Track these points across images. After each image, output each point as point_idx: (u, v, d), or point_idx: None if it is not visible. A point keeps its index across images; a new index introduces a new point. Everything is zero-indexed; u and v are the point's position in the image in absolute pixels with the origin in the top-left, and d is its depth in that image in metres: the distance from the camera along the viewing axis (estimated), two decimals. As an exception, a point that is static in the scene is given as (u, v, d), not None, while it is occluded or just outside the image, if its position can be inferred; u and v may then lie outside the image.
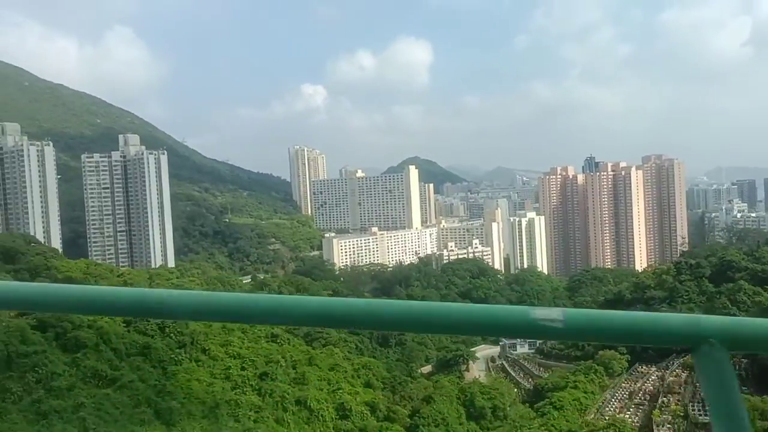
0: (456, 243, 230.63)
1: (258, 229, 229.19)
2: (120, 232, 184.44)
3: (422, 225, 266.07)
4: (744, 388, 56.54)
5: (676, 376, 68.58)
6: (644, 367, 76.99)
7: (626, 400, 69.38)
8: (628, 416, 62.81)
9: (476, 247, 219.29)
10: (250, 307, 1.81)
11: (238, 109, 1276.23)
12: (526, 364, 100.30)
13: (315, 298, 1.76)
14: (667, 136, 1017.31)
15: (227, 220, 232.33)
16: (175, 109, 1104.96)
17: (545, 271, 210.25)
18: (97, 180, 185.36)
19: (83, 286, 1.99)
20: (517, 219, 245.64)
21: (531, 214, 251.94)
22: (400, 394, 74.55)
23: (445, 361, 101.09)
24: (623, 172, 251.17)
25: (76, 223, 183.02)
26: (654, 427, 58.48)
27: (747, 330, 1.61)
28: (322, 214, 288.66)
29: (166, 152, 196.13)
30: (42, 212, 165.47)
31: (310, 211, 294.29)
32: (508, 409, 73.63)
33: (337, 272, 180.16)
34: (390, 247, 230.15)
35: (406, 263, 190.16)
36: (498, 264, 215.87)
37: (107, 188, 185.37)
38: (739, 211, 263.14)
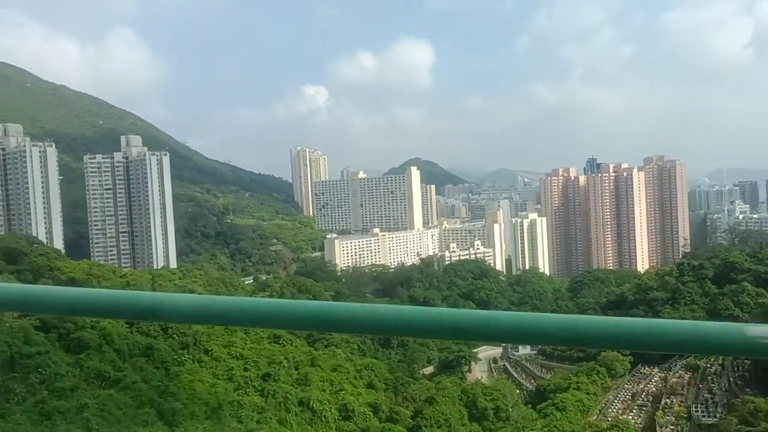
0: (458, 244, 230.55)
1: (260, 230, 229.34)
2: (122, 233, 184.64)
3: (424, 226, 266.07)
4: (747, 390, 56.51)
5: (678, 378, 68.58)
6: (647, 369, 76.96)
7: (629, 402, 69.36)
8: (631, 417, 62.78)
9: (478, 249, 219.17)
10: (250, 311, 1.80)
11: (240, 110, 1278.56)
12: (528, 365, 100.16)
13: (313, 303, 1.75)
14: (669, 137, 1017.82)
15: (229, 221, 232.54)
16: (176, 110, 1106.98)
17: (547, 272, 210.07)
18: (100, 181, 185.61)
19: (85, 288, 2.00)
20: (519, 220, 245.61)
21: (533, 216, 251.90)
22: (403, 395, 74.58)
23: (447, 362, 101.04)
24: (625, 174, 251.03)
25: (78, 223, 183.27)
26: (657, 428, 58.49)
27: None
28: (324, 215, 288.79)
29: (168, 153, 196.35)
30: (44, 213, 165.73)
31: (311, 212, 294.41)
32: (510, 410, 73.60)
33: (338, 273, 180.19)
34: (391, 248, 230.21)
35: (408, 264, 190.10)
36: (499, 265, 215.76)
37: (109, 189, 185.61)
38: (741, 213, 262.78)
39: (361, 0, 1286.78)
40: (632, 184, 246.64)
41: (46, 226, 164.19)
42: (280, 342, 78.84)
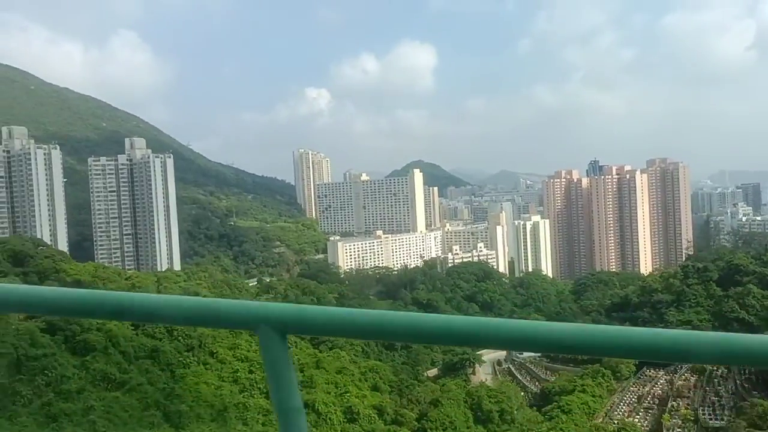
0: (460, 246, 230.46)
1: (263, 232, 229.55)
2: (126, 235, 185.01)
3: (427, 228, 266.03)
4: (754, 392, 56.33)
5: (685, 380, 68.44)
6: (652, 371, 76.75)
7: (635, 404, 69.19)
8: (637, 420, 62.64)
9: (481, 251, 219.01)
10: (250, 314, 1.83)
11: (243, 113, 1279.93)
12: (532, 367, 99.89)
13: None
14: (671, 139, 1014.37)
15: (232, 223, 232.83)
16: (179, 113, 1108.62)
17: (549, 274, 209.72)
18: (104, 183, 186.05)
19: (90, 290, 2.02)
20: (522, 222, 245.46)
21: (536, 218, 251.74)
22: (408, 397, 74.55)
23: (452, 364, 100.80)
24: (628, 176, 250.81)
25: (82, 226, 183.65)
26: (664, 431, 58.29)
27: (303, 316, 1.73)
28: (327, 218, 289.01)
29: (171, 156, 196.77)
30: (49, 215, 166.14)
31: (314, 215, 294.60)
32: (515, 412, 73.42)
33: (342, 275, 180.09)
34: (395, 250, 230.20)
35: (411, 266, 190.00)
36: (502, 267, 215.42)
37: (113, 191, 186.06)
38: (744, 215, 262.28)
39: (363, 3, 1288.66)
40: (635, 187, 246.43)
41: (51, 228, 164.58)
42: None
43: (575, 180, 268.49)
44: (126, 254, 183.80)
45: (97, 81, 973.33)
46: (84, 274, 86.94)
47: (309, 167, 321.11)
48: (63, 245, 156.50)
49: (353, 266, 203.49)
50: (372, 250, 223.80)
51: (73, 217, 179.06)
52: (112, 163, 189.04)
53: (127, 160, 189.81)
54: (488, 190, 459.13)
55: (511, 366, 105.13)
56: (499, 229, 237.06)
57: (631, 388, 73.99)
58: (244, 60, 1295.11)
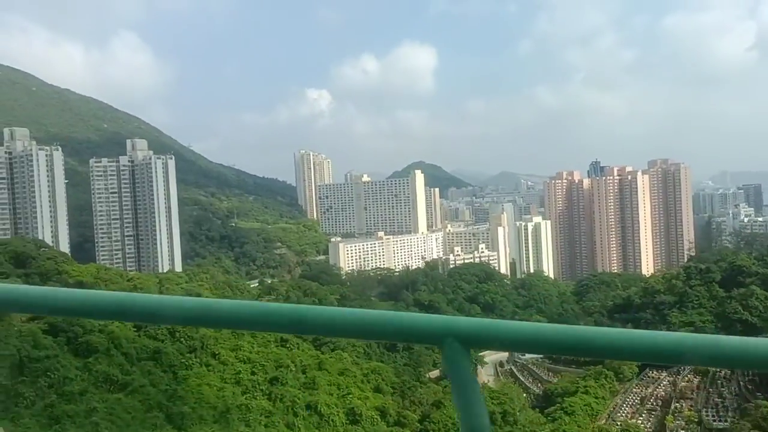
0: (462, 247, 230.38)
1: (264, 233, 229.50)
2: (127, 236, 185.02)
3: (428, 229, 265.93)
4: (758, 394, 56.18)
5: (687, 382, 68.28)
6: (655, 373, 76.59)
7: (638, 406, 69.02)
8: (640, 422, 62.50)
9: (482, 252, 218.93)
10: (252, 314, 1.83)
11: (243, 114, 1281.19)
12: (534, 368, 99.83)
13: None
14: (672, 140, 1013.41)
15: (233, 224, 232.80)
16: (180, 114, 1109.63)
17: (551, 275, 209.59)
18: (105, 184, 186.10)
19: (92, 290, 2.01)
20: (524, 223, 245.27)
21: (537, 219, 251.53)
22: (410, 398, 74.39)
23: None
24: (629, 177, 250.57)
25: (84, 227, 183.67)
26: (667, 432, 58.20)
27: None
28: (328, 219, 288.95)
29: (173, 157, 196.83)
30: (50, 216, 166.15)
31: (315, 216, 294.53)
32: (518, 414, 73.27)
33: (343, 277, 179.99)
34: (396, 251, 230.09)
35: (413, 268, 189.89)
36: (504, 268, 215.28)
37: (115, 193, 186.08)
38: (746, 216, 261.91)
39: (363, 4, 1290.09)
40: (637, 188, 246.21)
41: (52, 229, 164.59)
42: (287, 346, 78.82)
43: (576, 181, 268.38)
44: (127, 255, 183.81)
45: (98, 82, 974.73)
46: (86, 276, 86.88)
47: (310, 168, 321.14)
48: (64, 246, 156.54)
49: (354, 267, 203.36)
50: (373, 252, 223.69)
51: (75, 218, 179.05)
52: (114, 164, 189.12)
53: (128, 161, 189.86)
54: (489, 191, 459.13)
55: (513, 367, 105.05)
56: (500, 230, 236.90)
57: (634, 390, 73.85)
58: (244, 61, 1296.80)
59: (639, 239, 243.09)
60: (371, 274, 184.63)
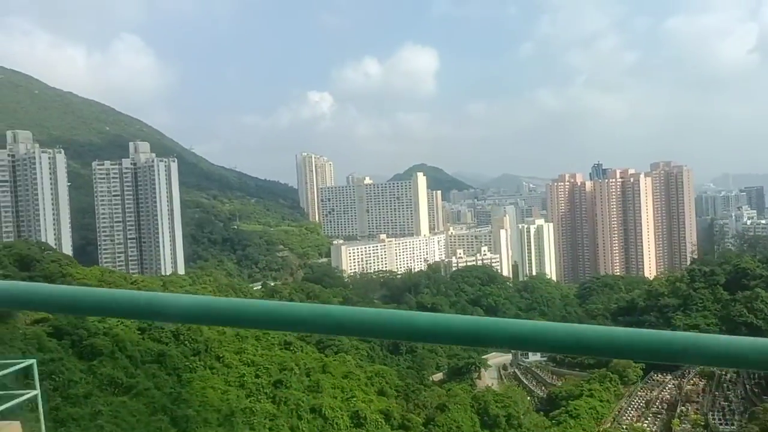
0: (464, 250, 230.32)
1: (266, 236, 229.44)
2: (130, 239, 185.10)
3: (430, 232, 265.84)
4: (765, 397, 55.93)
5: (693, 385, 68.00)
6: (660, 376, 76.33)
7: (643, 409, 68.78)
8: (646, 425, 62.28)
9: (485, 254, 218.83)
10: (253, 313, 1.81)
11: (245, 116, 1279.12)
12: (538, 371, 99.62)
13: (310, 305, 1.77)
14: (674, 142, 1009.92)
15: (236, 227, 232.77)
16: (182, 117, 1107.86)
17: (553, 278, 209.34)
18: (108, 187, 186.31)
19: (96, 288, 1.99)
20: (526, 226, 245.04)
21: (539, 221, 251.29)
22: (414, 402, 74.25)
23: (457, 368, 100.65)
24: (632, 179, 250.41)
25: (87, 230, 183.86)
26: (673, 436, 57.94)
27: None
28: (330, 221, 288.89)
29: (176, 159, 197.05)
30: (53, 219, 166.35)
31: (317, 218, 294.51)
32: (522, 417, 73.07)
33: (346, 279, 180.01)
34: (398, 254, 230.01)
35: (415, 270, 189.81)
36: (506, 271, 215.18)
37: (117, 195, 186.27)
38: (748, 218, 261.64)
39: (365, 7, 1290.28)
40: (639, 190, 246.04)
41: (55, 232, 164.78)
42: (291, 348, 78.69)
43: (579, 183, 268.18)
44: (130, 258, 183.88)
45: (101, 85, 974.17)
46: (90, 279, 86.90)
47: (312, 171, 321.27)
48: (67, 249, 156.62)
49: (357, 270, 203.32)
50: (376, 254, 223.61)
51: (78, 221, 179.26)
52: (116, 167, 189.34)
53: (131, 164, 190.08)
54: (491, 193, 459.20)
55: (516, 370, 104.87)
56: (502, 232, 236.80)
57: (639, 393, 73.58)
58: (246, 64, 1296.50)
59: (641, 242, 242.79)
60: (374, 276, 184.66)
